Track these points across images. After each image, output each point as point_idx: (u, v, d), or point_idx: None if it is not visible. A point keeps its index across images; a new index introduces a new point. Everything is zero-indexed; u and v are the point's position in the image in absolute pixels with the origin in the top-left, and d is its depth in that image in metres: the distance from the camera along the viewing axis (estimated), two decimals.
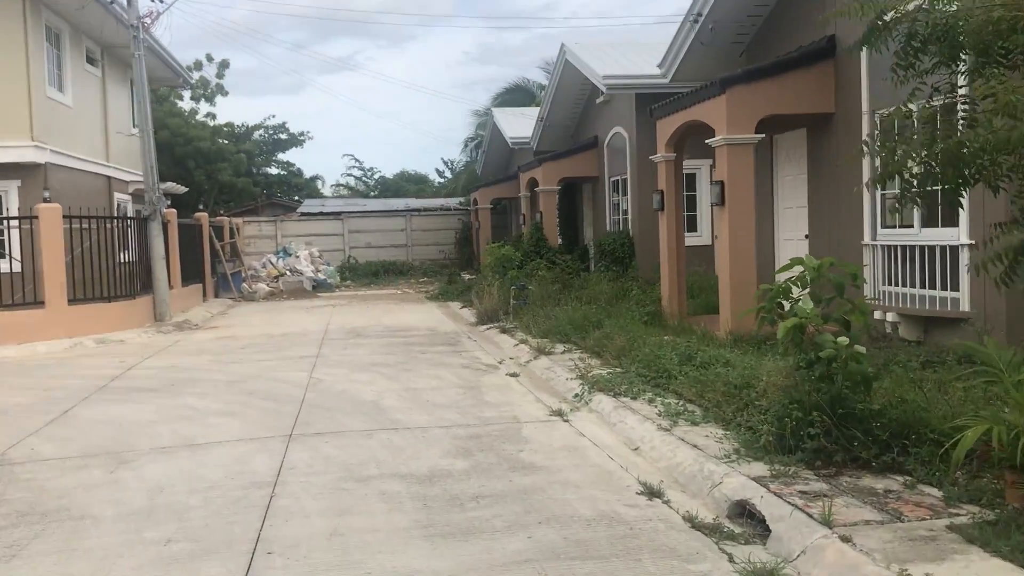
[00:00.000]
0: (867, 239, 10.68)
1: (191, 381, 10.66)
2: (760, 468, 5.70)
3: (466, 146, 44.62)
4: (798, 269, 6.24)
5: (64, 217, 15.61)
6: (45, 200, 15.49)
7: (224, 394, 9.72)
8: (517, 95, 40.89)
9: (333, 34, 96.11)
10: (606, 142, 20.51)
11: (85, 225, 16.26)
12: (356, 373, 10.86)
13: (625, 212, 19.57)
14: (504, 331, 14.10)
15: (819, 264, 6.26)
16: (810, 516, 4.78)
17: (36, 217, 15.42)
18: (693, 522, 5.11)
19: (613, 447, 6.91)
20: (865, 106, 10.56)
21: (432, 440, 7.25)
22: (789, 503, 5.01)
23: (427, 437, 7.37)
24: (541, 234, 21.59)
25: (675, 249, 13.32)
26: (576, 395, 8.75)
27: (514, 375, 10.37)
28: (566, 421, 7.86)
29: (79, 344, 14.94)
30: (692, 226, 18.19)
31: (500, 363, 11.38)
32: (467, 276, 27.62)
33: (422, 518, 5.32)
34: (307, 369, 11.24)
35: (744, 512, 5.26)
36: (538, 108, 31.12)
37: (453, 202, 37.26)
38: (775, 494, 5.19)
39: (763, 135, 11.59)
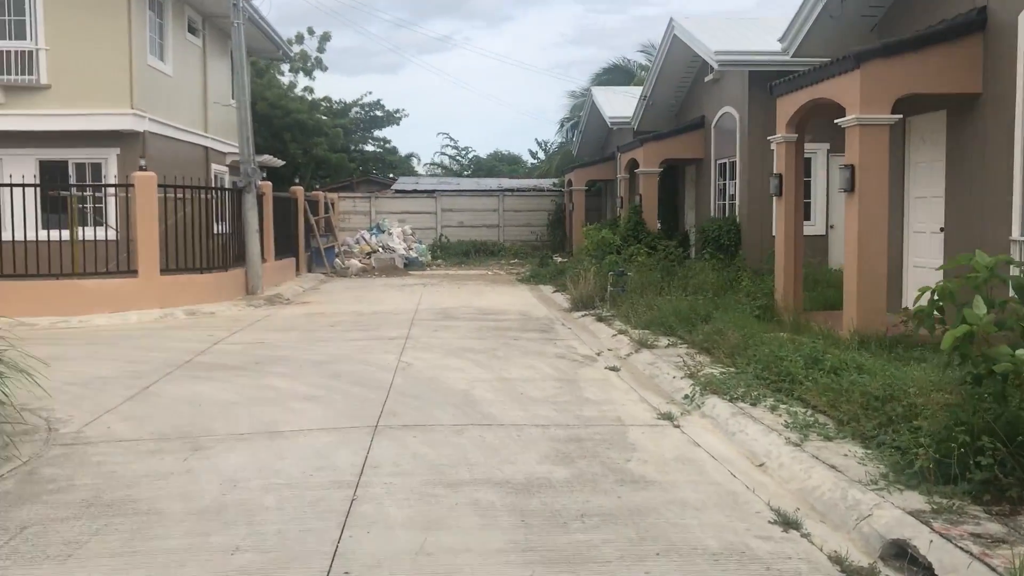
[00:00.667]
0: (1016, 234, 9.52)
1: (277, 360, 10.24)
2: (916, 499, 4.84)
3: (562, 126, 43.78)
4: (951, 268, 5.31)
5: (159, 186, 15.48)
6: (141, 168, 15.39)
7: (309, 375, 9.24)
8: (616, 75, 39.77)
9: (431, 14, 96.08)
10: (714, 123, 19.44)
11: (180, 195, 16.12)
12: (446, 358, 10.27)
13: (732, 197, 18.51)
14: (601, 319, 13.34)
15: (991, 262, 5.33)
16: (993, 571, 3.92)
17: (132, 185, 15.32)
18: (843, 564, 4.30)
19: (734, 461, 6.11)
20: (1023, 84, 9.38)
21: (528, 441, 6.57)
22: (963, 549, 4.15)
23: (523, 437, 6.70)
24: (639, 218, 20.68)
25: (793, 238, 12.31)
26: (686, 396, 7.95)
27: (614, 369, 9.62)
28: (676, 426, 7.08)
29: (170, 315, 14.80)
30: (805, 214, 17.04)
31: (598, 355, 10.64)
32: (559, 259, 26.88)
33: (520, 538, 4.64)
34: (396, 352, 10.71)
35: (902, 554, 4.42)
36: (638, 88, 30.14)
37: (546, 183, 36.54)
38: (942, 535, 4.33)
39: (899, 116, 10.49)
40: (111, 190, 16.63)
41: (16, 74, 16.67)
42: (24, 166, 16.92)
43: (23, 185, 14.81)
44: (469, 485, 5.52)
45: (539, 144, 54.70)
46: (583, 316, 14.10)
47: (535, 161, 53.35)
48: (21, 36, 16.79)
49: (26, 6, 16.71)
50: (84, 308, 14.62)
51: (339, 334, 12.41)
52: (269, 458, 6.16)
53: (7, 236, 15.18)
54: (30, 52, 16.70)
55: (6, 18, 16.77)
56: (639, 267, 15.86)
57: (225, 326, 13.46)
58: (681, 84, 21.70)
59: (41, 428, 7.10)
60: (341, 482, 5.58)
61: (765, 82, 16.67)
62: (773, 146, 13.15)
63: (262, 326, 13.53)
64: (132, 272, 15.27)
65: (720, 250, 17.22)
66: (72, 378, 9.22)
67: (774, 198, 12.64)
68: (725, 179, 19.07)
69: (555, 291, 18.28)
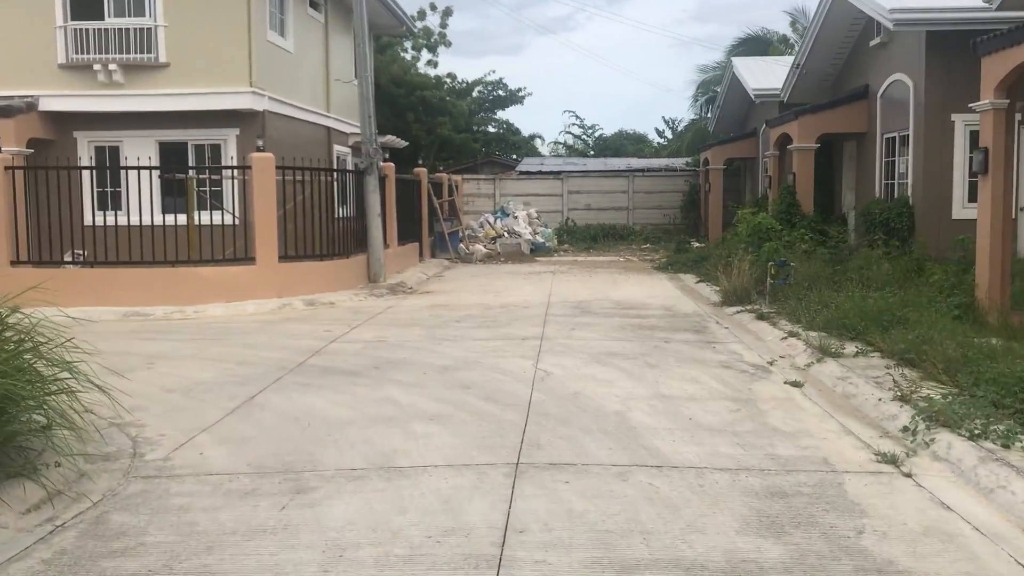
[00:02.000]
0: None
1: (398, 363, 9.02)
2: None
3: (695, 101, 41.44)
4: None
5: (277, 168, 14.59)
6: (259, 149, 14.53)
7: (434, 386, 7.96)
8: (752, 47, 37.25)
9: None
10: (880, 92, 17.21)
11: (299, 177, 15.22)
12: (590, 366, 8.82)
13: (902, 176, 16.32)
14: (762, 317, 11.61)
15: None
16: None
17: (249, 167, 14.48)
18: None
19: (1008, 538, 4.44)
20: None
21: (716, 495, 5.05)
22: None
23: (705, 487, 5.18)
24: (793, 199, 18.65)
25: (1001, 224, 10.28)
26: (905, 428, 6.25)
27: (796, 384, 7.95)
28: (907, 475, 5.42)
29: (287, 305, 13.89)
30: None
31: (770, 364, 8.97)
32: (696, 244, 25.02)
33: None
34: (531, 356, 9.33)
35: None
36: (783, 58, 27.80)
37: (679, 162, 34.53)
38: None
39: None
40: (229, 172, 15.90)
41: (135, 52, 16.09)
42: (144, 148, 16.37)
43: (138, 168, 14.15)
44: (650, 569, 4.06)
45: (666, 122, 52.42)
46: (739, 312, 12.38)
47: (662, 140, 51.16)
48: (140, 13, 16.19)
49: None
50: (200, 297, 13.88)
51: (465, 332, 11.14)
52: (385, 510, 4.86)
53: (123, 220, 14.61)
54: (148, 29, 16.07)
55: None
56: (802, 256, 13.99)
57: (344, 319, 12.41)
58: (840, 49, 19.47)
59: (125, 451, 6.04)
60: (478, 557, 4.20)
61: (947, 44, 14.52)
62: (963, 118, 11.06)
63: (383, 320, 12.41)
64: (250, 259, 14.45)
65: (890, 235, 15.14)
66: (173, 382, 8.24)
67: (979, 176, 10.61)
68: (894, 155, 16.86)
69: (699, 281, 16.55)
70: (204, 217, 15.14)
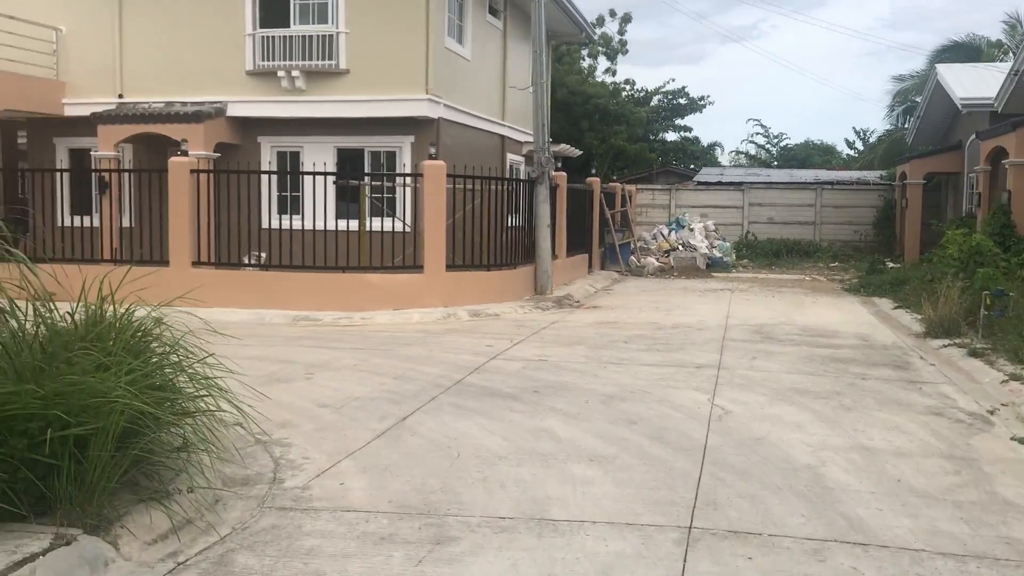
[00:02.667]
0: None
1: (559, 388, 8.37)
2: None
3: (891, 111, 38.69)
4: None
5: (447, 176, 14.32)
6: (431, 156, 14.32)
7: (597, 418, 7.25)
8: (959, 53, 34.26)
9: (735, 3, 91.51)
10: None
11: (470, 186, 14.89)
12: (775, 404, 7.84)
13: None
14: (975, 354, 10.17)
15: None
16: None
17: (420, 175, 14.28)
18: None
19: None
20: None
21: None
22: None
23: None
24: (1007, 220, 16.66)
25: None
26: None
27: None
28: None
29: (452, 316, 13.56)
30: None
31: (990, 413, 7.69)
32: (890, 264, 23.06)
33: None
34: (706, 389, 8.44)
35: None
36: (995, 65, 25.29)
37: (872, 175, 32.23)
38: None
39: None
40: (401, 180, 15.81)
41: (317, 59, 16.29)
42: (323, 153, 16.56)
43: (312, 173, 14.27)
44: None
45: (857, 133, 49.49)
46: (946, 347, 10.95)
47: (852, 152, 48.26)
48: (323, 20, 16.39)
49: None
50: (368, 304, 13.78)
51: (633, 354, 10.35)
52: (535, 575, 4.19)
53: (299, 224, 14.73)
54: (331, 36, 16.24)
55: (311, 1, 16.45)
56: (1021, 284, 12.31)
57: (507, 333, 11.91)
58: None
59: (265, 475, 5.68)
60: None
61: None
62: None
63: (547, 336, 11.81)
64: (418, 267, 14.25)
65: None
66: (328, 396, 7.94)
67: None
68: None
69: (896, 307, 15.01)
70: (376, 224, 15.11)
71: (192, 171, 14.36)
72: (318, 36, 16.26)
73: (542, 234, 16.37)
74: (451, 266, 14.57)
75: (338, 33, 16.21)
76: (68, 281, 5.65)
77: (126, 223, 16.55)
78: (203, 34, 16.73)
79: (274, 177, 16.39)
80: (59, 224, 16.21)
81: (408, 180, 15.45)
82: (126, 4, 17.00)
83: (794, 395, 8.21)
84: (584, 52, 36.38)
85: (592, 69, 36.86)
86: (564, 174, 18.91)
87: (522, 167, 21.82)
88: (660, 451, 6.30)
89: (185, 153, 14.72)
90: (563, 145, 24.40)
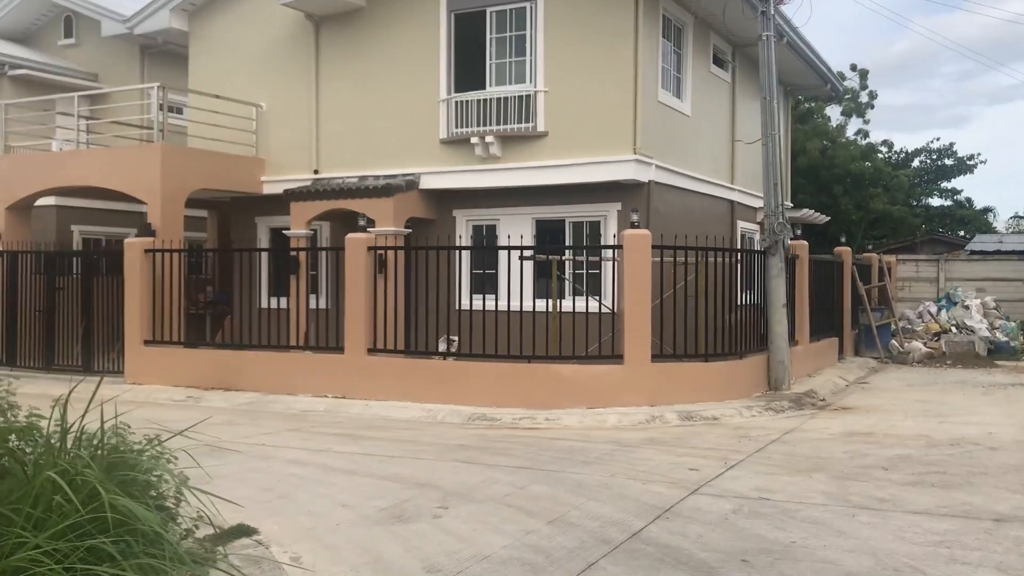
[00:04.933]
0: None
1: (780, 556, 5.65)
2: None
3: None
4: None
5: (654, 247, 11.98)
6: (633, 225, 12.06)
7: None
8: None
9: (1003, 60, 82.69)
10: None
11: (682, 258, 12.46)
12: None
13: None
14: None
15: None
16: None
17: (620, 247, 12.04)
18: None
19: None
20: None
21: None
22: None
23: None
24: None
25: None
26: None
27: None
28: None
29: (657, 419, 11.06)
30: None
31: None
32: None
33: None
34: (1018, 569, 5.41)
35: None
36: None
37: None
38: None
39: None
40: (602, 253, 13.63)
41: (513, 123, 14.63)
42: (520, 226, 14.81)
43: (506, 248, 12.45)
44: None
45: None
46: None
47: None
48: (520, 80, 14.77)
49: (527, 44, 14.66)
50: (557, 400, 11.65)
51: (896, 491, 7.36)
52: None
53: (490, 305, 12.82)
54: (527, 96, 14.55)
55: (507, 60, 14.91)
56: None
57: (723, 448, 9.24)
58: None
59: None
60: None
61: None
62: None
63: (775, 455, 9.00)
64: (617, 358, 11.92)
65: None
66: (446, 553, 5.73)
67: None
68: None
69: None
70: (579, 304, 12.99)
71: (369, 248, 13.00)
72: (515, 97, 14.62)
73: (776, 315, 13.52)
74: (659, 356, 12.12)
75: (536, 92, 14.50)
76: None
77: (323, 305, 15.57)
78: (395, 104, 15.63)
79: (468, 254, 14.82)
80: (259, 306, 15.54)
81: (609, 253, 13.24)
82: (323, 77, 16.33)
83: None
84: (828, 109, 32.90)
85: (842, 129, 33.22)
86: (805, 243, 15.94)
87: (757, 236, 18.99)
88: None
89: (364, 229, 13.43)
90: (806, 211, 21.27)
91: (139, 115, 17.66)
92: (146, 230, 15.08)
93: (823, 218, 22.42)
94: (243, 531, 6.10)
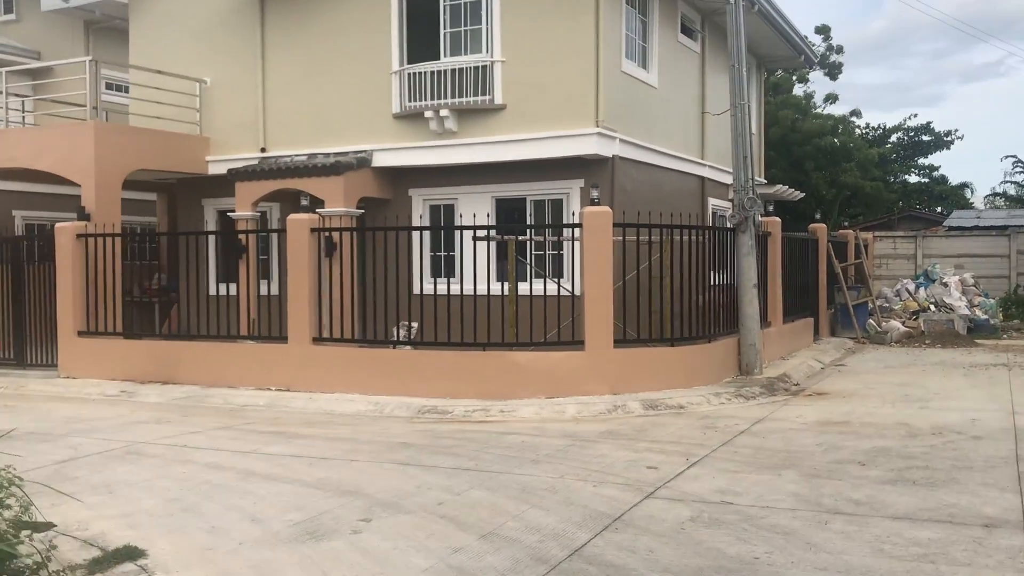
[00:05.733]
0: None
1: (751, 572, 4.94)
2: None
3: None
4: None
5: (615, 225, 11.20)
6: (593, 201, 11.31)
7: None
8: None
9: (974, 40, 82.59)
10: None
11: (645, 236, 11.70)
12: None
13: None
14: None
15: None
16: None
17: (579, 225, 11.26)
18: None
19: None
20: None
21: None
22: None
23: None
24: None
25: None
26: None
27: None
28: None
29: (619, 408, 10.32)
30: None
31: None
32: None
33: None
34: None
35: None
36: None
37: None
38: None
39: None
40: (565, 233, 12.85)
41: (469, 96, 13.78)
42: (480, 205, 13.95)
43: (451, 228, 11.61)
44: None
45: None
46: None
47: None
48: (477, 49, 13.90)
49: (483, 11, 13.78)
50: (514, 390, 10.89)
51: (874, 492, 6.65)
52: None
53: (455, 289, 11.87)
54: (484, 67, 13.70)
55: (462, 29, 14.03)
56: None
57: (686, 441, 8.52)
58: None
59: None
60: None
61: None
62: None
63: (742, 448, 8.28)
64: (578, 343, 11.16)
65: None
66: None
67: None
68: None
69: None
70: (540, 287, 12.17)
71: (313, 230, 12.15)
72: (470, 68, 13.77)
73: (747, 295, 12.81)
74: (623, 341, 11.38)
75: (492, 63, 13.64)
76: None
77: (275, 291, 14.64)
78: (346, 78, 14.72)
79: (426, 236, 13.97)
80: (208, 293, 14.66)
81: (570, 233, 12.46)
82: (269, 49, 15.38)
83: None
84: (794, 78, 32.21)
85: (809, 99, 32.53)
86: (777, 220, 15.25)
87: (728, 214, 18.25)
88: None
89: (310, 210, 12.57)
90: (779, 186, 20.59)
91: (84, 93, 16.64)
92: (80, 213, 14.13)
93: (798, 194, 21.73)
94: (128, 554, 5.34)
